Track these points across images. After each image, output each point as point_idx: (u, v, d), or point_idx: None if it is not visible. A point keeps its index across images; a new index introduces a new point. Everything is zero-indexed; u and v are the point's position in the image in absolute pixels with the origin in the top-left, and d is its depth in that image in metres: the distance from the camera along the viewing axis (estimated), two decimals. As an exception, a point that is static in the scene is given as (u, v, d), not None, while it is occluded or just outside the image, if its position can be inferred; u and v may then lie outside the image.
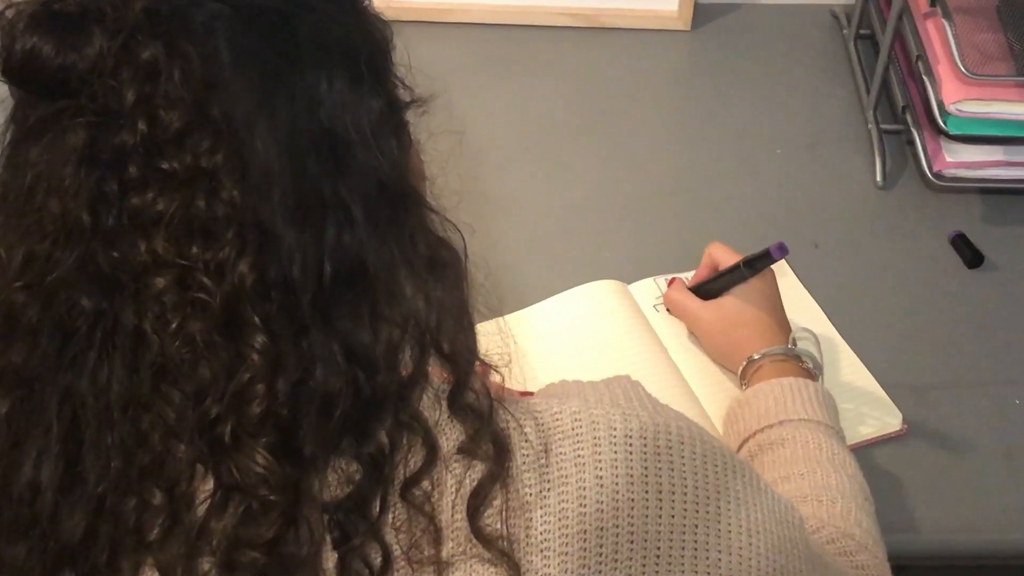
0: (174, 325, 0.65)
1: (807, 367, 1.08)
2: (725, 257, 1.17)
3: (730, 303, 1.14)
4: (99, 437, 0.67)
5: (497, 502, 0.69)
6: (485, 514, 0.69)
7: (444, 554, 0.68)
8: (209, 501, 0.67)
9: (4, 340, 0.68)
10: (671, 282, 1.22)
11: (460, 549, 0.68)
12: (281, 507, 0.66)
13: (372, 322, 0.68)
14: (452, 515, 0.69)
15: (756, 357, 1.09)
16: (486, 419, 0.70)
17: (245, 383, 0.65)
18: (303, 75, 0.68)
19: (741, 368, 1.10)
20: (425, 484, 0.68)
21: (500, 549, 0.68)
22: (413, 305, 0.70)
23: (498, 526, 0.69)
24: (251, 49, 0.67)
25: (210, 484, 0.67)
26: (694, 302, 1.18)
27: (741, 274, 1.13)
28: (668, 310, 1.23)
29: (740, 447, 1.03)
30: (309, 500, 0.67)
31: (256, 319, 0.65)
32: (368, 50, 0.72)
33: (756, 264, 1.12)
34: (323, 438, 0.67)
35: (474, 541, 0.68)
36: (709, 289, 1.17)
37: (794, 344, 1.10)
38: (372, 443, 0.68)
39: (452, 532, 0.68)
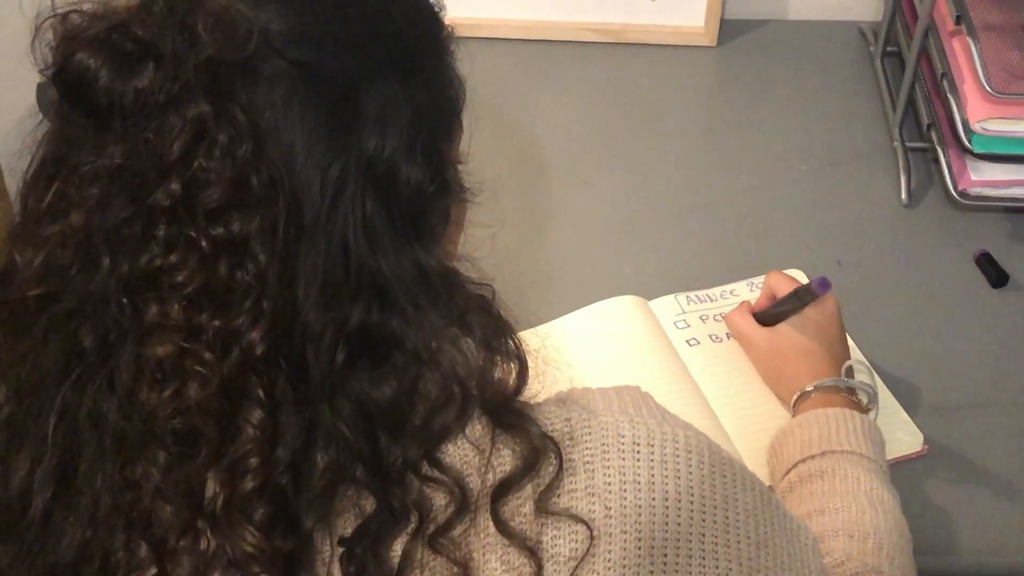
0: (168, 392, 0.64)
1: (858, 400, 1.07)
2: (783, 285, 1.16)
3: (784, 333, 1.13)
4: (92, 470, 0.67)
5: (515, 503, 0.69)
6: (504, 514, 0.68)
7: (472, 568, 0.68)
8: (202, 563, 0.65)
9: (12, 342, 0.69)
10: (741, 304, 1.21)
11: (484, 554, 0.68)
12: None
13: (405, 389, 0.67)
14: (476, 522, 0.68)
15: (808, 389, 1.07)
16: (531, 430, 0.69)
17: (239, 457, 0.64)
18: (357, 151, 0.66)
19: (793, 400, 1.08)
20: (456, 532, 0.68)
21: (526, 546, 0.68)
22: (454, 370, 0.68)
23: (517, 524, 0.68)
24: (307, 118, 0.65)
25: (202, 544, 0.65)
26: (750, 327, 1.16)
27: (793, 305, 1.13)
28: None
29: (783, 477, 1.02)
30: (309, 563, 0.66)
31: (259, 391, 0.64)
32: (430, 129, 0.70)
33: (802, 296, 1.12)
34: (327, 510, 0.66)
35: (499, 537, 0.68)
36: (766, 317, 1.16)
37: (848, 375, 1.09)
38: (395, 500, 0.67)
39: (478, 541, 0.68)
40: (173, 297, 0.64)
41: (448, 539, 0.67)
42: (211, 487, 0.65)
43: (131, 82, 0.64)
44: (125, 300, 0.65)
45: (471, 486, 0.68)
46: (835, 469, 0.98)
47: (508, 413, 0.69)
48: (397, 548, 0.67)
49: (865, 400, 1.08)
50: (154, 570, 0.66)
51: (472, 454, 0.69)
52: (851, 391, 1.08)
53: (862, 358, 1.15)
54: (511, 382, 0.71)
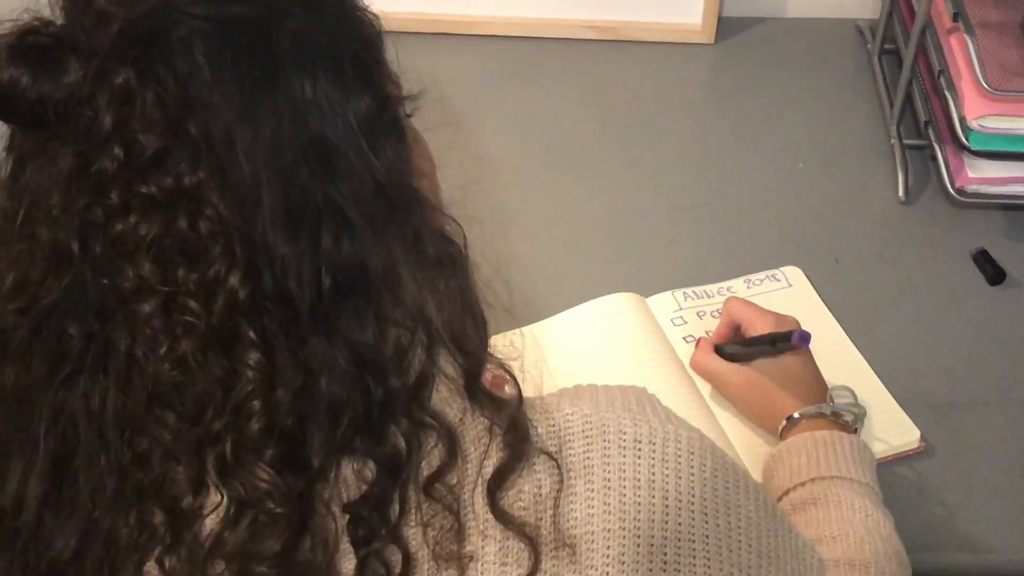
0: (163, 349, 0.65)
1: (844, 421, 1.06)
2: (745, 314, 1.13)
3: (756, 373, 1.09)
4: (92, 458, 0.67)
5: (513, 492, 0.69)
6: (502, 501, 0.69)
7: (468, 548, 0.68)
8: (215, 515, 0.67)
9: None
10: (698, 342, 1.18)
11: (482, 540, 0.68)
12: (288, 519, 0.66)
13: (378, 325, 0.68)
14: (474, 505, 0.69)
15: (795, 416, 1.05)
16: (506, 407, 0.70)
17: (241, 400, 0.65)
18: (285, 83, 0.67)
19: (780, 429, 1.06)
20: (449, 478, 0.69)
21: (524, 533, 0.68)
22: (419, 304, 0.69)
23: (516, 513, 0.69)
24: (230, 63, 0.66)
25: (215, 498, 0.67)
26: (719, 364, 1.13)
27: (765, 351, 1.09)
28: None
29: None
30: (321, 506, 0.67)
31: (251, 334, 0.65)
32: (353, 50, 0.71)
33: (778, 345, 1.08)
34: (332, 447, 0.67)
35: (496, 526, 0.68)
36: (733, 358, 1.13)
37: (831, 402, 1.08)
38: (388, 445, 0.68)
39: (475, 523, 0.69)
40: (144, 258, 0.65)
41: (444, 485, 0.68)
42: (220, 436, 0.66)
43: (58, 80, 0.65)
44: (103, 280, 0.66)
45: (461, 435, 0.69)
46: (827, 496, 0.97)
47: (479, 391, 0.70)
48: (396, 504, 0.68)
49: (851, 419, 1.06)
50: (168, 540, 0.67)
51: (457, 402, 0.70)
52: (835, 415, 1.06)
53: (844, 383, 1.14)
54: (476, 331, 0.71)
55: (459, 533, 0.68)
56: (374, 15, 0.75)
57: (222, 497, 0.66)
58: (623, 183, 1.45)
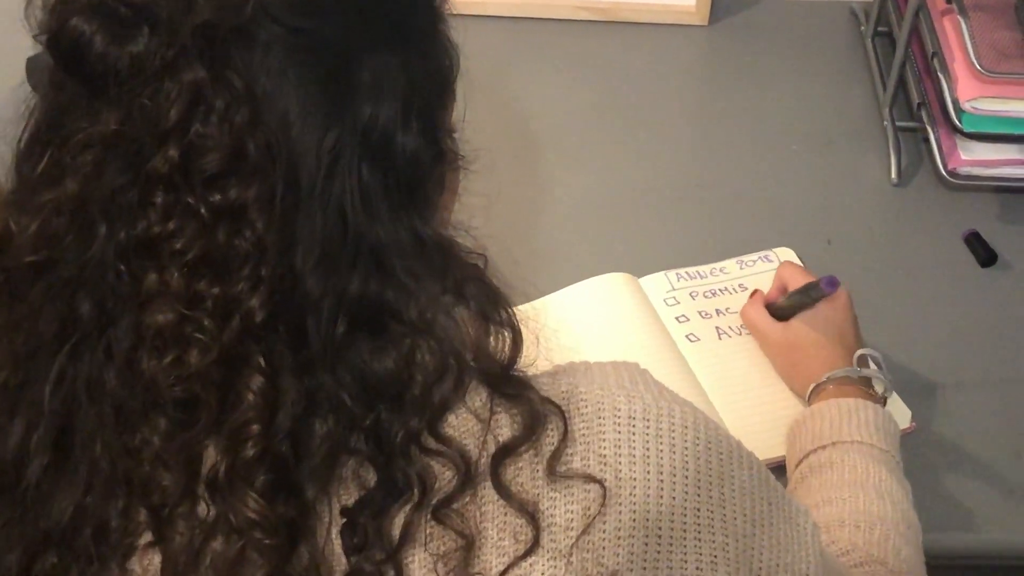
0: (169, 359, 0.64)
1: (872, 391, 1.08)
2: (794, 277, 1.16)
3: (796, 327, 1.13)
4: (90, 436, 0.67)
5: (513, 469, 0.69)
6: (502, 476, 0.68)
7: (477, 566, 0.68)
8: (202, 528, 0.66)
9: (7, 308, 0.68)
10: (753, 294, 1.21)
11: (480, 517, 0.68)
12: (277, 548, 0.65)
13: (403, 361, 0.67)
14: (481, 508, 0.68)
15: (822, 381, 1.07)
16: (523, 399, 0.69)
17: (240, 424, 0.64)
18: (352, 118, 0.66)
19: (808, 393, 1.09)
20: (459, 504, 0.68)
21: (527, 511, 0.68)
22: (449, 341, 0.68)
23: (514, 489, 0.68)
24: (303, 85, 0.65)
25: (201, 511, 0.66)
26: (764, 321, 1.16)
27: (802, 300, 1.13)
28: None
29: (795, 467, 1.03)
30: (310, 531, 0.66)
31: (259, 359, 0.64)
32: (426, 97, 0.70)
33: (811, 293, 1.12)
34: (328, 479, 0.67)
35: (498, 502, 0.68)
36: (777, 311, 1.16)
37: (862, 364, 1.09)
38: (398, 472, 0.67)
39: (475, 504, 0.68)
40: (172, 265, 0.64)
41: (453, 510, 0.67)
42: (212, 454, 0.65)
43: (126, 48, 0.63)
44: (123, 267, 0.65)
45: (473, 456, 0.68)
46: (844, 460, 0.98)
47: (508, 383, 0.70)
48: (399, 520, 0.67)
49: (881, 390, 1.08)
50: (149, 536, 0.67)
51: (474, 424, 0.69)
52: (866, 382, 1.08)
53: (873, 352, 1.15)
54: (506, 351, 0.71)
55: (469, 557, 0.67)
56: (456, 53, 0.75)
57: (209, 511, 0.65)
58: (616, 164, 1.45)
